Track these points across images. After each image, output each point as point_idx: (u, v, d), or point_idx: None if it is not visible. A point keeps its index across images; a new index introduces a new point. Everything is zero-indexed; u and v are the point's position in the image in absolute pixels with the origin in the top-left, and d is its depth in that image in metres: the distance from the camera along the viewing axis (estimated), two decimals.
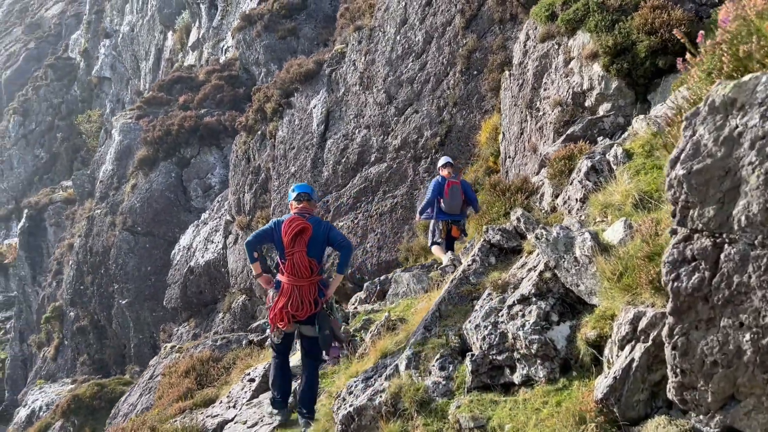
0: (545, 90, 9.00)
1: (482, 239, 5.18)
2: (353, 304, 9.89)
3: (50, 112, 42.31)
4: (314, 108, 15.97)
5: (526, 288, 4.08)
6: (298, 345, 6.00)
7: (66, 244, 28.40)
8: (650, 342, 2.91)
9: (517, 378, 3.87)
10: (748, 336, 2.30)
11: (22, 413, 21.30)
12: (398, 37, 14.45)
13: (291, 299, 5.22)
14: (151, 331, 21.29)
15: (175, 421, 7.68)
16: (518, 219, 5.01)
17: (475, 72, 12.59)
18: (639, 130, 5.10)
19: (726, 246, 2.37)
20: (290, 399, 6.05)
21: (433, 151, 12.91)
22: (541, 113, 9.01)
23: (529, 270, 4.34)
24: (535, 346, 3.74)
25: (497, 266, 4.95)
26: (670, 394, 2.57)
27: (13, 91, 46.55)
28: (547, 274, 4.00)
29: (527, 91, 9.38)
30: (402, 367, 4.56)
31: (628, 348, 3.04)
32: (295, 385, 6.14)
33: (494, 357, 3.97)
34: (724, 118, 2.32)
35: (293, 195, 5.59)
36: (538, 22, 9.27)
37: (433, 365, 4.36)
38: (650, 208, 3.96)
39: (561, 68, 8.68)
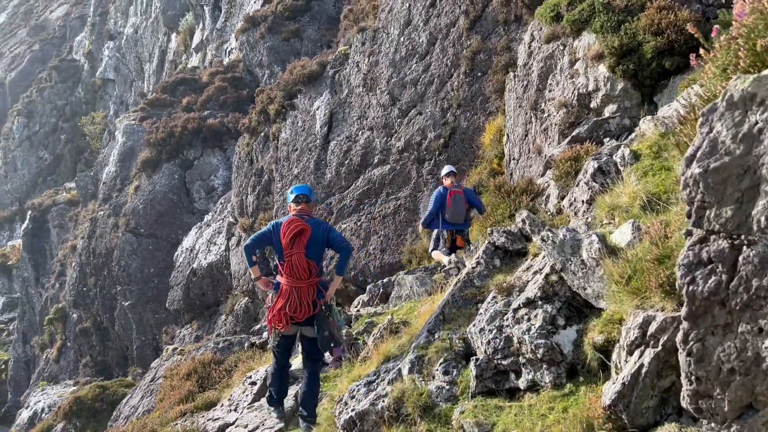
0: (550, 91, 8.92)
1: (487, 241, 5.10)
2: (356, 307, 9.82)
3: (54, 114, 42.42)
4: (317, 110, 15.92)
5: (531, 291, 4.00)
6: (300, 348, 5.96)
7: (69, 246, 28.41)
8: (660, 347, 2.83)
9: (522, 383, 3.79)
10: (767, 343, 2.22)
11: (24, 415, 21.28)
12: (402, 39, 14.40)
13: (289, 301, 5.20)
14: (153, 333, 21.25)
15: (176, 424, 7.63)
16: (523, 221, 4.93)
17: (480, 73, 12.52)
18: (646, 131, 5.02)
19: (744, 248, 2.28)
20: (288, 402, 6.01)
21: (437, 153, 12.83)
22: (546, 115, 8.93)
23: (535, 273, 4.26)
24: (541, 351, 3.66)
25: (502, 269, 4.87)
26: (684, 402, 2.48)
27: (17, 92, 46.68)
28: (554, 277, 3.92)
29: (532, 93, 9.30)
30: (405, 372, 4.48)
31: (637, 353, 2.95)
32: (297, 388, 6.10)
33: (499, 361, 3.89)
34: (743, 113, 2.22)
35: (291, 197, 5.56)
36: (543, 23, 9.20)
37: (437, 369, 4.29)
38: (658, 210, 3.88)
39: (566, 69, 8.60)
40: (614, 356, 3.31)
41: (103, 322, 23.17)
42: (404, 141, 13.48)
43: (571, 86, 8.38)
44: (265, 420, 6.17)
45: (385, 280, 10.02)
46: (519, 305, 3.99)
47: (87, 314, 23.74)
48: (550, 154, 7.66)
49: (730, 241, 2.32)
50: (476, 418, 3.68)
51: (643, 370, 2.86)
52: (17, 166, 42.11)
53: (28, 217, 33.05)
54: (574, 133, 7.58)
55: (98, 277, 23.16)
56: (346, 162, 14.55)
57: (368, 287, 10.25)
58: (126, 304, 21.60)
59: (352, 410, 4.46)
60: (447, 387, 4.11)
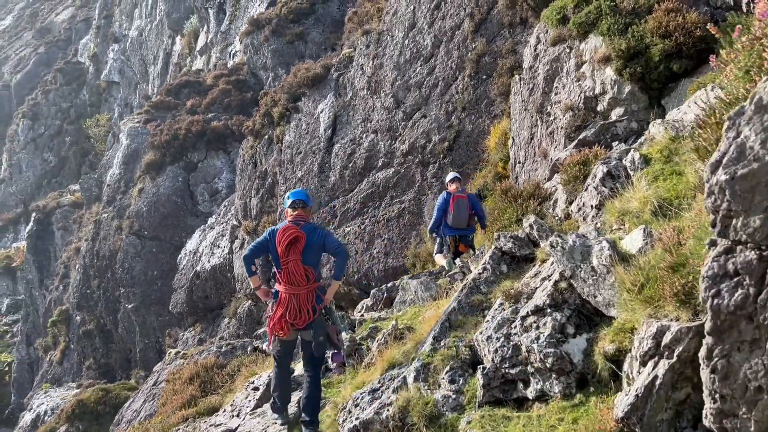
0: (556, 94, 8.84)
1: (493, 246, 5.02)
2: (359, 312, 9.73)
3: (59, 116, 42.53)
4: (321, 112, 15.87)
5: (540, 298, 3.91)
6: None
7: (73, 248, 28.43)
8: (675, 358, 2.74)
9: (530, 393, 3.70)
10: None
11: (27, 417, 21.26)
12: (406, 41, 14.34)
13: (289, 308, 5.19)
14: (156, 335, 21.21)
15: (178, 429, 7.56)
16: (531, 226, 4.84)
17: (485, 76, 12.45)
18: (656, 134, 4.94)
19: None
20: (291, 408, 5.94)
21: (441, 156, 12.76)
22: (552, 118, 8.85)
23: (543, 279, 4.18)
24: (550, 360, 3.57)
25: (509, 275, 4.79)
26: (707, 421, 2.38)
27: (23, 95, 46.84)
28: (563, 284, 3.84)
29: (538, 96, 9.22)
30: (410, 380, 4.40)
31: (650, 364, 2.86)
32: (300, 394, 6.04)
33: (507, 370, 3.81)
34: None
35: (288, 202, 5.55)
36: (549, 26, 9.12)
37: (443, 378, 4.20)
38: (670, 215, 3.80)
39: (572, 72, 8.52)
40: (626, 366, 3.23)
41: (106, 325, 23.15)
42: (408, 144, 13.41)
43: (578, 89, 8.30)
44: (268, 427, 6.09)
45: (389, 285, 9.92)
46: (527, 313, 3.90)
47: (90, 316, 23.73)
48: (556, 158, 7.57)
49: (758, 252, 2.21)
50: (483, 429, 3.60)
51: (658, 382, 2.78)
52: (22, 168, 42.23)
53: (32, 219, 33.11)
54: (580, 137, 7.50)
55: (102, 280, 23.15)
56: (350, 165, 14.49)
57: (372, 291, 10.16)
58: (129, 306, 21.57)
59: (356, 419, 4.38)
60: (453, 396, 4.03)
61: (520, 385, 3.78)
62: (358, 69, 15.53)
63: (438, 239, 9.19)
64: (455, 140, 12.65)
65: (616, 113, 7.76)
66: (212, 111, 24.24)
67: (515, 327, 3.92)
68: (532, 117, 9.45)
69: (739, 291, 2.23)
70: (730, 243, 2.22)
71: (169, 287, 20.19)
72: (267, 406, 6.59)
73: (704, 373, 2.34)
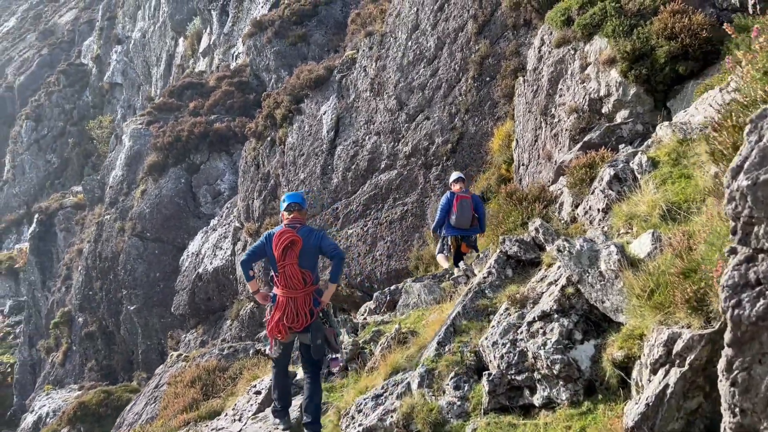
0: (560, 96, 8.78)
1: (498, 250, 4.96)
2: (362, 315, 9.66)
3: (62, 118, 42.57)
4: (324, 114, 15.83)
5: (546, 303, 3.85)
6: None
7: (75, 250, 28.42)
8: (687, 366, 2.68)
9: (537, 400, 3.64)
10: None
11: (29, 419, 21.24)
12: (410, 43, 14.29)
13: (286, 312, 5.20)
14: (159, 337, 21.17)
15: None
16: (537, 230, 4.78)
17: (488, 78, 12.39)
18: (663, 137, 4.87)
19: None
20: (293, 413, 5.90)
21: (445, 158, 12.70)
22: (556, 120, 8.79)
23: (550, 284, 4.12)
24: (557, 366, 3.51)
25: (514, 279, 4.73)
26: None
27: (26, 96, 46.89)
28: (570, 290, 3.78)
29: (542, 98, 9.16)
30: (414, 386, 4.34)
31: (661, 372, 2.80)
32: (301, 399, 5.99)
33: (513, 377, 3.75)
34: None
35: (284, 205, 5.56)
36: (554, 27, 9.06)
37: (448, 384, 4.14)
38: (679, 220, 3.73)
39: (577, 74, 8.45)
40: (635, 374, 3.16)
41: (108, 326, 23.12)
42: (411, 146, 13.36)
43: (582, 91, 8.23)
44: (270, 431, 6.04)
45: (392, 287, 9.86)
46: (534, 318, 3.84)
47: (93, 318, 23.71)
48: (561, 160, 7.51)
49: None
50: None
51: (669, 391, 2.71)
52: (25, 170, 42.26)
53: (35, 220, 33.12)
54: (585, 139, 7.43)
55: (104, 281, 23.13)
56: (353, 167, 14.44)
57: (375, 294, 10.10)
58: (132, 308, 21.54)
59: (359, 425, 4.32)
60: (458, 403, 3.97)
61: (527, 392, 3.72)
62: (361, 71, 15.48)
63: (441, 239, 9.20)
64: (458, 142, 12.59)
65: (621, 115, 7.70)
66: (215, 113, 24.22)
67: (521, 332, 3.86)
68: (536, 119, 9.39)
69: (761, 301, 2.15)
70: (751, 251, 2.14)
71: (172, 289, 20.15)
72: (269, 411, 6.54)
73: (723, 386, 2.26)
